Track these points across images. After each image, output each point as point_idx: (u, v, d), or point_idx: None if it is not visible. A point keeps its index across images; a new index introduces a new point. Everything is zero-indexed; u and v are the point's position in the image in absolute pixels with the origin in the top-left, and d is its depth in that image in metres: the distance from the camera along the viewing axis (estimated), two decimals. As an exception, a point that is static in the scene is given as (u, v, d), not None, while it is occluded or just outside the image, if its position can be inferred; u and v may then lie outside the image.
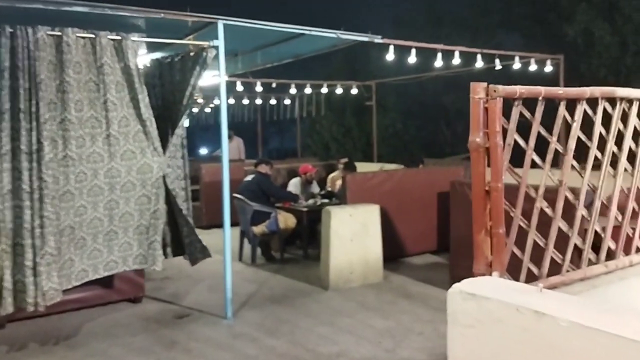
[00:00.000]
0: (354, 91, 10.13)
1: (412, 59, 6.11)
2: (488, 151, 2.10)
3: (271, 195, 6.77)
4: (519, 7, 13.98)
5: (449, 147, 18.05)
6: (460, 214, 4.84)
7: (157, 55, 5.46)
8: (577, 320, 1.52)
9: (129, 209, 4.38)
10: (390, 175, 6.41)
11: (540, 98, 2.17)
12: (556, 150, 2.24)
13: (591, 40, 10.67)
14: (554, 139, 2.24)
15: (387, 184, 6.29)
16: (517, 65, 6.92)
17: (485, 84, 2.12)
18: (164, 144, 4.53)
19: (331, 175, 8.08)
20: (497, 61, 6.68)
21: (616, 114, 2.39)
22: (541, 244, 2.27)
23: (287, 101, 12.25)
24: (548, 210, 2.26)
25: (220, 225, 8.84)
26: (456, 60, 6.21)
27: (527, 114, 2.16)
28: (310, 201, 6.98)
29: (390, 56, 6.03)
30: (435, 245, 6.68)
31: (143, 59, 4.78)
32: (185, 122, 4.63)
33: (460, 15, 17.12)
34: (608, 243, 2.47)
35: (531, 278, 2.19)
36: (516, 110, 2.14)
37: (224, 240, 4.54)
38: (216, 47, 4.37)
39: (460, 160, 10.84)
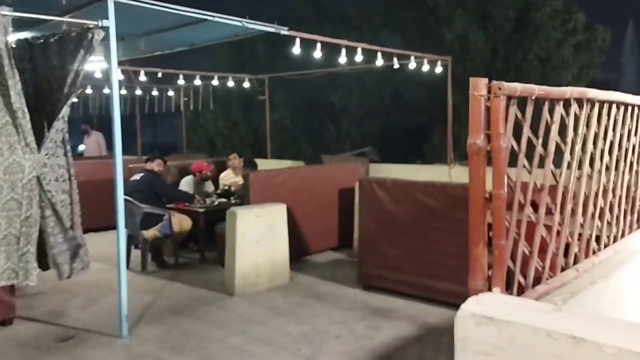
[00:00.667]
0: (246, 84, 9.81)
1: (317, 53, 6.02)
2: (489, 154, 1.95)
3: (164, 196, 6.25)
4: (401, 9, 14.73)
5: (334, 142, 18.54)
6: (368, 212, 4.87)
7: (24, 34, 4.69)
8: (626, 346, 1.36)
9: (-5, 216, 3.70)
10: (294, 173, 6.28)
11: (532, 97, 2.08)
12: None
13: (466, 45, 11.60)
14: (540, 141, 2.19)
15: (290, 182, 6.14)
16: (412, 64, 7.20)
17: (486, 79, 1.97)
18: (39, 139, 3.90)
19: (224, 173, 7.71)
20: (395, 59, 6.88)
21: (584, 115, 2.41)
22: (527, 251, 2.21)
23: (171, 93, 11.49)
24: (534, 217, 2.22)
25: (96, 229, 8.05)
26: (359, 57, 6.25)
27: (519, 114, 2.05)
28: (207, 201, 6.58)
29: (296, 49, 5.87)
30: (337, 242, 6.70)
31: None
32: (66, 114, 4.01)
33: (345, 13, 17.60)
34: (575, 246, 2.48)
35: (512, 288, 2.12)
36: (513, 110, 2.03)
37: (117, 246, 4.03)
38: (105, 28, 3.84)
39: (351, 157, 11.12)
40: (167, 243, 6.23)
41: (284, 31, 5.15)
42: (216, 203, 6.51)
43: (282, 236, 5.32)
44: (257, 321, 4.27)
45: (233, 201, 6.61)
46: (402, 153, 16.12)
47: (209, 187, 7.27)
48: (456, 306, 4.18)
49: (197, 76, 9.01)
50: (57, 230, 3.97)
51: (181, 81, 8.80)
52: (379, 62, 6.72)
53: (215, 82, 9.33)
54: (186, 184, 7.02)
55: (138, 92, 11.06)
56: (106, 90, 10.52)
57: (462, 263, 4.32)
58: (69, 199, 4.08)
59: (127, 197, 5.88)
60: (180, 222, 6.13)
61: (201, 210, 6.25)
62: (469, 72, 12.50)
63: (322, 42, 5.99)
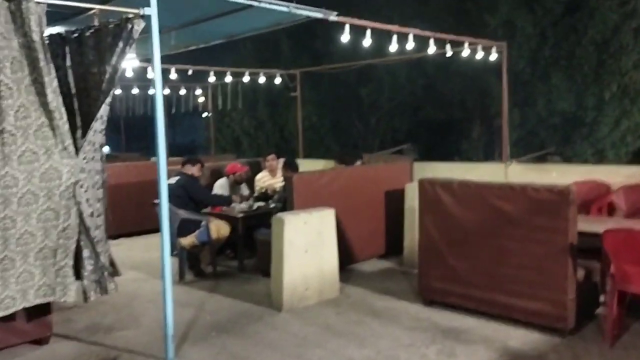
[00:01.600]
0: (277, 80, 9.50)
1: (367, 41, 5.63)
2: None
3: (201, 201, 5.98)
4: (435, -4, 14.22)
5: (362, 140, 18.14)
6: (431, 218, 4.50)
7: (58, 29, 4.44)
8: None
9: (30, 228, 3.46)
10: (338, 174, 5.93)
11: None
12: None
13: (512, 31, 11.09)
14: None
15: (335, 184, 5.80)
16: (466, 51, 6.76)
17: None
18: (77, 141, 3.64)
19: (260, 175, 7.42)
20: (448, 47, 6.46)
21: None
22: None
23: (199, 91, 11.27)
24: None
25: (128, 234, 7.84)
26: (410, 45, 5.84)
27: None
28: (244, 205, 6.28)
29: (345, 37, 5.49)
30: (384, 249, 6.35)
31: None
32: (105, 114, 3.74)
33: (374, 3, 17.17)
34: None
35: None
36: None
37: (161, 260, 3.74)
38: (146, 17, 3.55)
39: (389, 155, 10.72)
40: (204, 251, 5.95)
41: (333, 17, 4.81)
42: (255, 207, 6.21)
43: (331, 244, 4.98)
44: (313, 342, 3.94)
45: (272, 205, 6.31)
46: (436, 150, 15.65)
47: (244, 190, 6.99)
48: (538, 327, 3.79)
49: (228, 73, 8.72)
50: (87, 252, 3.71)
51: (212, 78, 8.52)
52: (431, 49, 6.30)
53: (246, 79, 9.04)
54: (220, 187, 6.74)
55: (166, 91, 10.84)
56: (135, 90, 10.34)
57: (544, 278, 3.99)
58: (102, 207, 3.82)
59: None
60: (218, 229, 5.85)
61: (240, 215, 5.96)
62: (514, 61, 12.03)
63: (372, 29, 5.61)
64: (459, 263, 4.34)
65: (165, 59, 7.86)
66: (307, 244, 4.75)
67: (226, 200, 6.19)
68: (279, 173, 7.26)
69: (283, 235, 4.60)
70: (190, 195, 5.82)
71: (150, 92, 10.83)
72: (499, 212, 4.07)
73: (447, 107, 16.23)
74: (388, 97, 16.52)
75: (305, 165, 8.49)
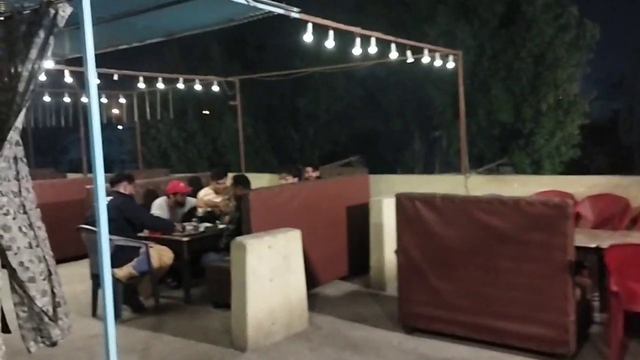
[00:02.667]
0: (215, 88, 8.87)
1: (330, 42, 5.22)
2: None
3: (141, 224, 5.27)
4: (372, 6, 14.25)
5: (297, 152, 17.77)
6: (410, 236, 4.13)
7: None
8: None
9: None
10: (299, 190, 5.44)
11: None
12: None
13: (452, 42, 11.21)
14: None
15: (295, 201, 5.31)
16: (426, 59, 6.54)
17: None
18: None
19: (202, 192, 6.77)
20: (408, 53, 6.22)
21: None
22: None
23: (122, 100, 10.36)
24: None
25: (57, 260, 6.95)
26: (372, 49, 5.51)
27: None
28: (189, 227, 5.62)
29: (308, 37, 5.04)
30: (347, 270, 5.93)
31: None
32: (21, 124, 3.04)
33: (308, 11, 16.98)
34: None
35: None
36: None
37: (103, 296, 3.06)
38: (75, 0, 2.91)
39: (339, 168, 10.38)
40: (143, 282, 5.22)
41: (295, 14, 4.35)
42: (202, 229, 5.57)
43: (299, 270, 4.48)
44: (290, 388, 3.41)
45: (221, 226, 5.71)
46: (376, 161, 15.59)
47: (185, 209, 6.33)
48: (536, 353, 3.49)
49: (159, 79, 7.99)
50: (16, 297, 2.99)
51: (141, 85, 7.75)
52: (393, 54, 6.01)
53: (180, 86, 8.34)
54: (159, 208, 6.02)
55: (84, 99, 9.83)
56: (46, 98, 9.27)
57: (540, 298, 3.72)
58: (34, 235, 3.11)
59: (92, 228, 4.87)
60: (160, 256, 5.15)
61: (185, 239, 5.30)
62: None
63: (335, 29, 5.21)
64: (444, 285, 4.00)
65: (78, 61, 7.05)
66: (273, 272, 4.21)
67: (169, 226, 5.50)
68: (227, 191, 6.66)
69: (245, 263, 4.04)
70: (128, 218, 5.09)
71: (66, 99, 9.81)
72: (488, 229, 3.77)
73: (386, 119, 16.32)
74: (326, 108, 16.33)
75: (253, 181, 7.93)
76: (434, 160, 15.90)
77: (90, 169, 3.16)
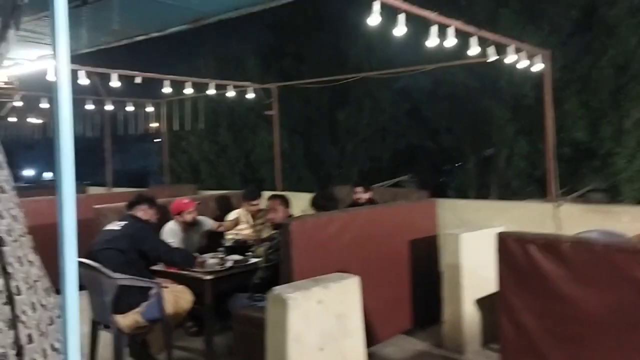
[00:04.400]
0: (250, 96, 7.88)
1: (399, 29, 4.06)
2: None
3: (155, 259, 4.21)
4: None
5: (335, 169, 16.65)
6: (522, 295, 2.92)
7: None
8: None
9: None
10: (352, 219, 4.28)
11: None
12: None
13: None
14: None
15: (347, 233, 4.16)
16: (511, 58, 5.29)
17: None
18: None
19: (232, 215, 5.71)
20: (490, 50, 5.01)
21: None
22: None
23: (150, 108, 9.48)
24: None
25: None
26: (450, 42, 4.32)
27: None
28: (212, 261, 4.52)
29: (374, 19, 3.89)
30: (410, 322, 4.72)
31: None
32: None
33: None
34: None
35: None
36: None
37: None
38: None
39: (385, 188, 9.21)
40: (154, 331, 4.14)
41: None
42: (229, 264, 4.47)
43: (356, 331, 3.32)
44: None
45: (253, 260, 4.60)
46: (423, 182, 14.32)
47: (194, 236, 5.25)
48: None
49: (188, 84, 7.03)
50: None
51: (167, 89, 6.79)
52: (474, 50, 4.82)
53: (212, 91, 7.36)
54: (171, 235, 4.97)
55: (109, 106, 9.00)
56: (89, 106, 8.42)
57: None
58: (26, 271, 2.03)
59: (90, 262, 3.83)
60: (176, 299, 4.07)
61: (207, 277, 4.20)
62: (521, 81, 10.92)
63: (408, 13, 4.06)
64: (573, 370, 2.76)
65: (103, 60, 6.16)
66: (324, 337, 3.06)
67: (191, 259, 4.41)
68: (261, 215, 5.60)
69: (286, 326, 2.89)
70: (142, 250, 4.03)
71: (89, 106, 8.97)
72: (650, 293, 2.54)
73: (433, 134, 15.07)
74: (367, 122, 15.20)
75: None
76: (488, 181, 14.47)
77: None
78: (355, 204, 5.49)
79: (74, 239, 1.68)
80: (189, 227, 5.09)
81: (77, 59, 5.04)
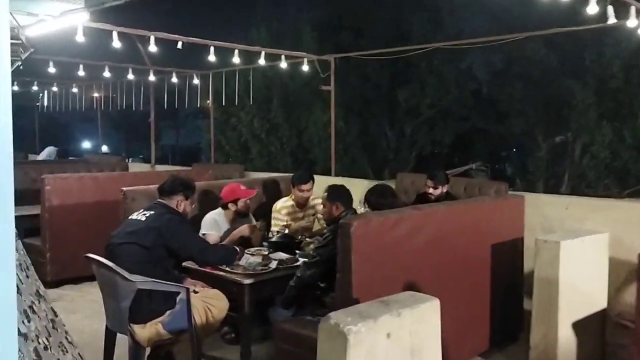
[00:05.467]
0: (305, 68, 7.10)
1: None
2: None
3: (188, 258, 3.55)
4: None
5: (392, 152, 15.71)
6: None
7: None
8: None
9: None
10: (426, 217, 3.44)
11: None
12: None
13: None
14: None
15: (419, 236, 3.33)
16: (632, 22, 4.24)
17: None
18: None
19: (280, 202, 4.97)
20: (633, 10, 3.91)
21: None
22: None
23: (197, 81, 8.88)
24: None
25: (74, 280, 5.48)
26: (592, 8, 3.30)
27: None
28: (253, 259, 3.81)
29: None
30: (486, 342, 3.88)
31: None
32: None
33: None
34: None
35: None
36: None
37: None
38: None
39: (453, 178, 8.25)
40: (181, 342, 3.48)
41: None
42: (272, 266, 3.74)
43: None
44: None
45: (299, 260, 3.86)
46: (492, 170, 13.19)
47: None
48: None
49: (236, 52, 6.32)
50: None
51: (212, 57, 6.09)
52: (592, 9, 3.78)
53: (262, 62, 6.63)
54: (211, 225, 4.28)
55: (151, 77, 8.47)
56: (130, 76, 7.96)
57: None
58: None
59: (101, 259, 3.20)
60: (208, 307, 3.39)
61: (246, 281, 3.50)
62: (609, 61, 9.60)
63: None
64: None
65: (133, 21, 5.53)
66: (393, 382, 2.28)
67: (233, 255, 3.71)
68: (313, 204, 4.87)
69: (344, 368, 2.13)
70: (171, 247, 3.35)
71: (130, 76, 8.46)
72: None
73: (502, 117, 13.82)
74: (429, 102, 14.14)
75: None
76: (559, 171, 13.18)
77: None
78: (425, 197, 4.63)
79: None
80: (238, 218, 4.39)
81: (106, 15, 4.43)
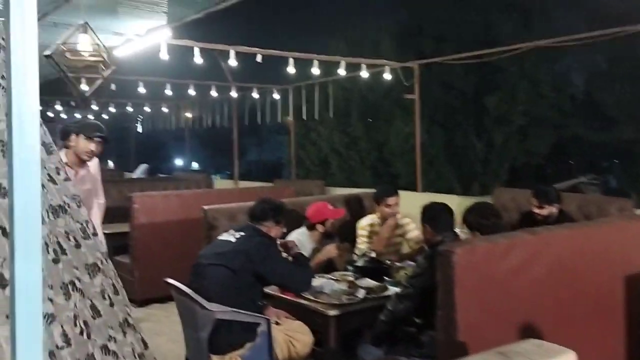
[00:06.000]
0: (387, 77, 6.75)
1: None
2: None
3: (278, 284, 3.29)
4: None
5: (480, 164, 14.87)
6: None
7: None
8: None
9: None
10: (545, 244, 2.94)
11: None
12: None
13: None
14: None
15: (535, 267, 2.84)
16: None
17: None
18: None
19: (365, 221, 4.62)
20: None
21: None
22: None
23: (277, 96, 8.80)
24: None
25: (161, 299, 5.43)
26: None
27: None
28: (337, 286, 3.49)
29: None
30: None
31: None
32: None
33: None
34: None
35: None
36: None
37: None
38: None
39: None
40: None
41: None
42: (361, 295, 3.39)
43: None
44: None
45: (389, 289, 3.48)
46: (605, 185, 12.07)
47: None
48: None
49: (315, 64, 6.10)
50: None
51: (291, 69, 5.90)
52: None
53: (341, 72, 6.36)
54: (297, 243, 4.01)
55: (233, 93, 8.50)
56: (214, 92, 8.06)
57: None
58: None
59: (180, 286, 3.00)
60: (291, 341, 3.10)
61: (331, 312, 3.17)
62: None
63: None
64: None
65: (212, 36, 5.46)
66: None
67: (311, 275, 3.41)
68: (401, 223, 4.49)
69: None
70: (259, 273, 3.11)
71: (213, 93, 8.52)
72: None
73: (607, 124, 12.63)
74: (522, 109, 13.24)
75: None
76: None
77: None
78: (531, 218, 4.09)
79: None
80: (324, 239, 4.11)
81: (187, 31, 4.35)
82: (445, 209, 3.39)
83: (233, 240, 3.18)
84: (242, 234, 3.22)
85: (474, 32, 13.53)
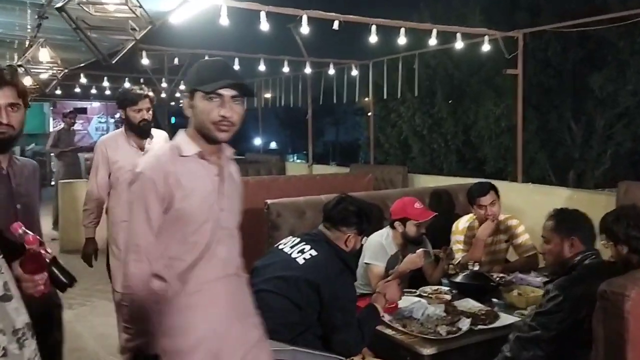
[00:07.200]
0: (486, 47, 5.72)
1: None
2: None
3: (324, 333, 2.45)
4: None
5: (577, 150, 13.26)
6: None
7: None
8: None
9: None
10: None
11: None
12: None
13: None
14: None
15: None
16: None
17: None
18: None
19: (462, 222, 3.70)
20: None
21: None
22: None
23: (355, 72, 7.93)
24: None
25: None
26: None
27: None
28: (431, 310, 2.66)
29: None
30: None
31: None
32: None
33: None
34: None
35: None
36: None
37: None
38: None
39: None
40: None
41: None
42: (464, 328, 2.53)
43: None
44: None
45: (501, 318, 2.60)
46: None
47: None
48: None
49: (401, 32, 5.18)
50: None
51: (373, 37, 5.02)
52: None
53: (432, 42, 5.40)
54: (376, 253, 3.21)
55: (307, 69, 7.75)
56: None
57: None
58: None
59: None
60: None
61: (427, 350, 2.35)
62: None
63: None
64: None
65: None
66: None
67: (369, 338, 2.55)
68: (507, 225, 3.59)
69: None
70: (324, 312, 2.35)
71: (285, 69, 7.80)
72: None
73: None
74: (632, 89, 11.53)
75: (531, 204, 4.58)
76: None
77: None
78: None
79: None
80: (413, 245, 3.26)
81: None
82: (583, 218, 2.44)
83: (301, 262, 2.39)
84: (314, 253, 2.42)
85: (576, 2, 11.96)
